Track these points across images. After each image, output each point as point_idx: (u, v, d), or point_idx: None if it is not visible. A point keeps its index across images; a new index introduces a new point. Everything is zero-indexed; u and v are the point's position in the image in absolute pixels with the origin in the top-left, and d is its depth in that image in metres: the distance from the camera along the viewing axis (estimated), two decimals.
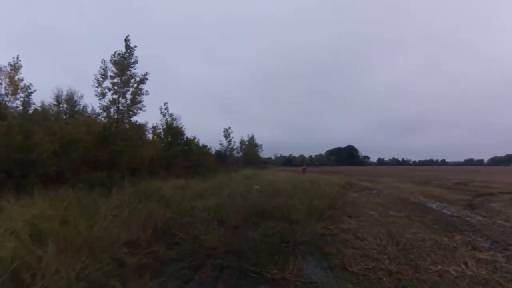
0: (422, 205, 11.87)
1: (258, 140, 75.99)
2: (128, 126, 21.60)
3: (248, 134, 74.08)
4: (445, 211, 10.52)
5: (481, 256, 5.44)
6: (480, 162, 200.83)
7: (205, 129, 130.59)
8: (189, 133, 33.20)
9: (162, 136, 27.12)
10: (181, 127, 27.75)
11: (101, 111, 20.65)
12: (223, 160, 54.51)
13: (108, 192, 9.56)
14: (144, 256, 4.90)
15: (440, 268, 4.76)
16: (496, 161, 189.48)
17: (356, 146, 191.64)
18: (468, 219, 9.19)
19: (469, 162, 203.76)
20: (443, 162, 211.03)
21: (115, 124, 20.48)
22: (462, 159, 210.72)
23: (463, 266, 4.85)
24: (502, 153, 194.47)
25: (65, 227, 5.06)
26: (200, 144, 36.37)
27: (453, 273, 4.59)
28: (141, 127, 29.89)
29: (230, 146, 61.90)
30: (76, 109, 28.69)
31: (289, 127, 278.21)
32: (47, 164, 11.80)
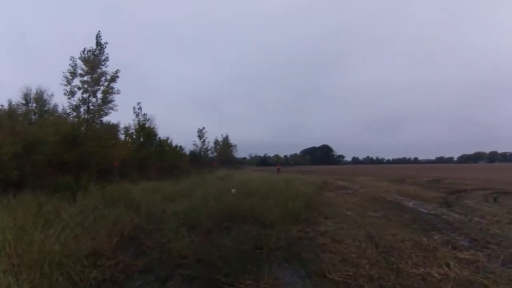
0: (399, 204, 11.81)
1: (232, 140, 75.55)
2: (98, 126, 20.78)
3: (222, 134, 73.62)
4: (421, 209, 10.48)
5: (462, 256, 5.30)
6: (450, 160, 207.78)
7: (181, 129, 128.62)
8: (163, 134, 32.63)
9: (134, 136, 26.27)
10: (154, 127, 27.02)
11: (70, 110, 19.77)
12: (197, 160, 53.78)
13: (73, 196, 8.93)
14: (108, 268, 4.40)
15: (423, 271, 4.54)
16: (465, 159, 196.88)
17: (331, 146, 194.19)
18: (445, 217, 9.16)
19: (440, 159, 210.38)
20: (416, 160, 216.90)
21: (85, 125, 19.61)
22: (433, 157, 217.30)
23: (446, 268, 4.66)
24: (470, 151, 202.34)
25: (19, 239, 4.52)
26: (174, 144, 35.74)
27: (437, 275, 4.38)
28: (114, 128, 29.00)
29: (204, 147, 61.30)
30: (46, 108, 27.35)
31: (264, 127, 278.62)
32: (8, 167, 10.97)
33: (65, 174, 14.41)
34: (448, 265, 4.76)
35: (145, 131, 25.57)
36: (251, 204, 8.78)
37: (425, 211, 10.22)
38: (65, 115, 19.90)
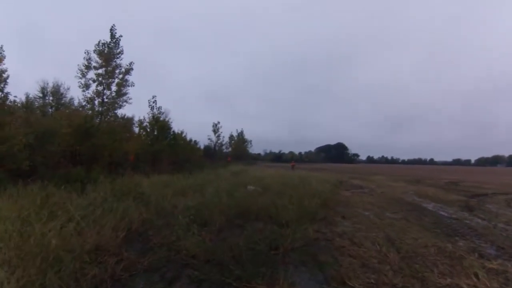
0: (418, 205, 11.36)
1: (248, 136, 75.69)
2: (112, 119, 20.81)
3: (237, 130, 73.59)
4: (442, 213, 10.02)
5: (490, 265, 4.96)
6: (467, 162, 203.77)
7: (195, 124, 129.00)
8: (178, 128, 32.47)
9: (148, 130, 26.16)
10: (168, 121, 26.86)
11: (85, 103, 19.87)
12: (212, 155, 53.77)
13: (83, 188, 8.80)
14: (110, 265, 4.16)
15: (451, 281, 4.21)
16: (482, 162, 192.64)
17: (346, 144, 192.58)
18: (468, 222, 8.70)
19: (457, 162, 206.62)
20: (431, 161, 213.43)
21: (100, 116, 19.65)
22: (449, 159, 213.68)
23: (475, 279, 4.31)
24: (488, 154, 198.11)
25: (21, 231, 4.34)
26: (188, 138, 35.62)
27: (465, 287, 4.03)
28: (129, 121, 29.05)
29: (219, 141, 61.30)
30: (62, 101, 27.71)
31: (279, 124, 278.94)
32: (19, 158, 10.95)
33: (77, 166, 14.41)
34: (476, 275, 4.41)
35: (159, 124, 25.39)
36: (266, 201, 8.51)
37: (446, 214, 9.75)
38: (80, 108, 20.03)
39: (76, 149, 15.77)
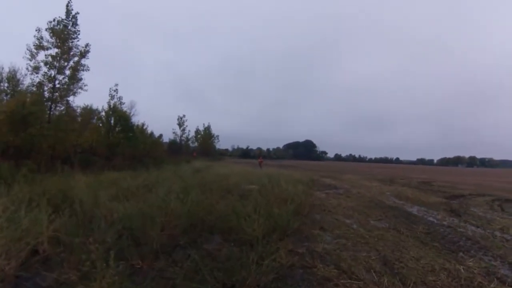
0: (401, 209, 10.11)
1: (216, 131, 73.86)
2: (62, 107, 18.45)
3: (204, 124, 71.61)
4: (431, 219, 8.80)
5: None
6: (430, 162, 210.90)
7: (163, 117, 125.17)
8: (143, 120, 30.48)
9: (103, 120, 23.77)
10: (130, 112, 24.70)
11: (34, 88, 17.42)
12: (177, 150, 51.69)
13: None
14: None
15: None
16: (445, 162, 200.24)
17: (314, 141, 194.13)
18: (462, 230, 7.55)
19: (421, 161, 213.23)
20: (397, 160, 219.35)
21: (50, 104, 17.25)
22: (414, 158, 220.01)
23: None
24: (450, 155, 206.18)
25: None
26: (150, 131, 33.46)
27: None
28: (89, 111, 26.58)
29: (184, 136, 59.33)
30: (19, 88, 24.76)
31: (248, 119, 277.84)
32: None
33: (8, 160, 12.15)
34: None
35: (116, 114, 23.03)
36: (225, 208, 6.78)
37: (435, 221, 8.52)
38: (28, 94, 17.56)
39: (9, 140, 13.42)
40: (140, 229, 4.94)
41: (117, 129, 23.22)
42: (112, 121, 23.11)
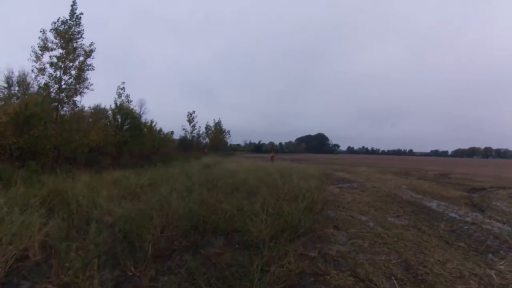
0: (420, 204, 9.51)
1: (227, 126, 73.94)
2: (71, 107, 18.29)
3: (214, 120, 71.23)
4: (452, 215, 8.20)
5: None
6: (445, 153, 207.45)
7: (173, 114, 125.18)
8: (152, 118, 30.34)
9: (111, 119, 23.50)
10: (133, 109, 24.37)
11: (41, 90, 17.28)
12: (187, 146, 51.49)
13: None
14: None
15: None
16: (460, 153, 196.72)
17: (326, 134, 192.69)
18: (488, 227, 6.96)
19: (435, 153, 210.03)
20: (411, 152, 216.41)
21: (57, 104, 17.08)
22: (428, 150, 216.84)
23: None
24: (465, 146, 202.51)
25: None
26: (160, 129, 33.21)
27: None
28: (99, 110, 26.39)
29: (195, 132, 59.04)
30: (30, 91, 24.79)
31: (260, 114, 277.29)
32: None
33: (15, 161, 11.98)
34: None
35: (122, 112, 22.72)
36: (232, 206, 6.29)
37: (458, 217, 7.93)
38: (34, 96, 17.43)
39: (13, 142, 13.20)
40: (137, 232, 4.53)
41: (125, 127, 22.95)
42: (119, 119, 22.84)
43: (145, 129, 26.26)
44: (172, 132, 49.57)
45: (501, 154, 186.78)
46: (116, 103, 23.32)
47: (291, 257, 4.10)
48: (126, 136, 21.94)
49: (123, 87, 24.12)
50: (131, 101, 24.87)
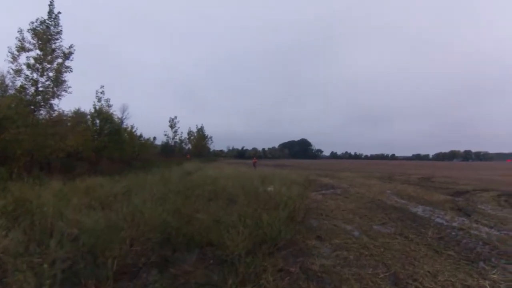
0: (406, 210, 9.29)
1: (210, 132, 73.56)
2: (45, 111, 17.51)
3: (196, 125, 70.76)
4: (439, 220, 8.01)
5: None
6: (426, 157, 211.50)
7: (159, 120, 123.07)
8: (134, 123, 29.66)
9: (89, 123, 22.76)
10: (113, 113, 23.68)
11: (16, 92, 16.50)
12: (170, 152, 50.74)
13: None
14: None
15: None
16: (441, 156, 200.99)
17: (309, 140, 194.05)
18: (476, 232, 6.82)
19: (417, 156, 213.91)
20: (393, 157, 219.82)
21: (34, 108, 16.33)
22: (410, 154, 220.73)
23: None
24: (446, 149, 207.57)
25: None
26: (140, 134, 32.51)
27: None
28: (80, 115, 25.57)
29: (176, 137, 58.39)
30: (8, 94, 23.77)
31: (243, 120, 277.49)
32: None
33: None
34: None
35: (102, 117, 22.07)
36: (208, 216, 5.85)
37: (445, 223, 7.74)
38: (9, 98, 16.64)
39: None
40: (103, 246, 4.07)
41: (104, 132, 22.29)
42: (98, 124, 22.16)
43: (126, 135, 25.56)
44: (154, 138, 49.05)
45: (480, 156, 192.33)
46: (95, 107, 22.60)
47: (269, 274, 3.72)
48: (105, 141, 21.27)
49: (103, 91, 23.40)
50: (111, 106, 24.18)
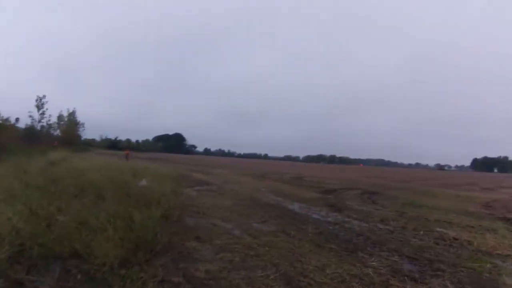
0: (283, 208, 9.72)
1: (84, 118, 66.88)
2: None
3: (68, 109, 63.36)
4: (316, 216, 8.65)
5: None
6: (296, 159, 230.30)
7: (27, 99, 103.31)
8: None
9: None
10: None
11: None
12: (35, 138, 43.78)
13: None
14: None
15: None
16: (309, 159, 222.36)
17: (184, 134, 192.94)
18: (349, 226, 7.59)
19: (288, 158, 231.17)
20: (266, 156, 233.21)
21: None
22: (281, 155, 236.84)
23: None
24: (314, 153, 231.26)
25: None
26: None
27: None
28: None
29: (44, 120, 50.92)
30: None
31: (118, 108, 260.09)
32: None
33: None
34: None
35: None
36: (72, 217, 4.80)
37: (320, 218, 8.41)
38: None
39: None
40: None
41: None
42: None
43: None
44: (17, 119, 42.25)
45: (343, 160, 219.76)
46: None
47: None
48: None
49: None
50: None
